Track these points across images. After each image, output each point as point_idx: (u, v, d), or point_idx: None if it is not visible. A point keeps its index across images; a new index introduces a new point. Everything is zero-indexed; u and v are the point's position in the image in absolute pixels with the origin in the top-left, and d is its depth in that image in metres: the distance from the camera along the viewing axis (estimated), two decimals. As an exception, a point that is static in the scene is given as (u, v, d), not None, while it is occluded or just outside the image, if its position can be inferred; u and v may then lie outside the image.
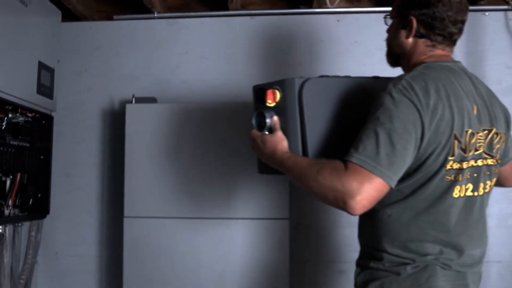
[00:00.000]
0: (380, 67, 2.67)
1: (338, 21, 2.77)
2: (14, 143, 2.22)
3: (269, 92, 1.50)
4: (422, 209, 1.32)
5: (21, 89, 2.20)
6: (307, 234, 2.66)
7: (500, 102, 1.50)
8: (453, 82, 1.33)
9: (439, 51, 1.43)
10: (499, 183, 1.57)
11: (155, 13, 2.79)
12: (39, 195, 2.43)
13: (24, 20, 2.22)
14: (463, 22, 1.43)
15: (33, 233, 2.52)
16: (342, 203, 1.20)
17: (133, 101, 2.49)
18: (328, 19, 2.78)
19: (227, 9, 2.80)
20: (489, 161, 1.39)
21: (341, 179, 1.19)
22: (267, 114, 1.49)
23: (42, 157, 2.45)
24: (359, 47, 2.74)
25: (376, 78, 1.63)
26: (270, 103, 1.50)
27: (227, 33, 2.80)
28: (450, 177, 1.31)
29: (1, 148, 2.13)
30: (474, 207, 1.37)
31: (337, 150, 1.35)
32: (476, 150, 1.34)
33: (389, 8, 2.63)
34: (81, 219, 2.78)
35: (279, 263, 2.34)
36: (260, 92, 1.55)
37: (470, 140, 1.31)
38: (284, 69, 2.69)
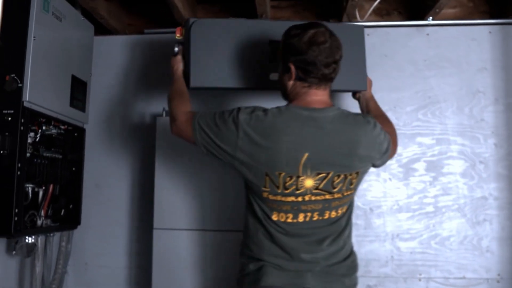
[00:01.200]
0: (410, 80, 2.69)
1: (368, 35, 2.75)
2: (47, 155, 2.27)
3: (178, 28, 2.09)
4: None
5: (54, 102, 2.25)
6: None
7: (371, 140, 1.68)
8: (284, 131, 1.57)
9: (312, 94, 1.65)
10: None
11: (186, 27, 2.82)
12: (71, 206, 2.47)
13: (58, 34, 2.27)
14: (336, 62, 1.63)
15: (63, 243, 2.56)
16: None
17: (164, 114, 2.52)
18: (357, 33, 2.76)
19: (257, 23, 2.81)
20: (327, 196, 1.62)
21: (173, 111, 1.81)
22: (176, 44, 2.09)
23: (74, 168, 2.50)
24: (389, 61, 2.72)
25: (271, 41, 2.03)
26: (178, 36, 2.08)
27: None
28: (269, 204, 1.64)
29: (35, 160, 2.18)
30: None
31: (218, 79, 2.01)
32: (298, 189, 1.59)
33: (420, 22, 2.63)
34: (110, 230, 2.80)
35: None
36: None
37: (284, 180, 1.58)
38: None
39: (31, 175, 2.16)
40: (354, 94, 2.25)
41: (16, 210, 1.98)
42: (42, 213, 2.24)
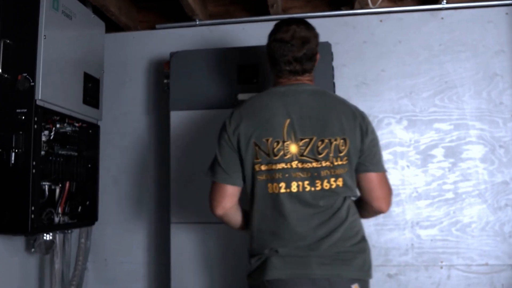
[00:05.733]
0: (425, 66, 2.65)
1: (381, 21, 2.72)
2: (62, 152, 2.28)
3: (165, 64, 2.49)
4: None
5: (67, 100, 2.26)
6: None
7: (350, 112, 1.70)
8: (264, 103, 1.70)
9: (283, 80, 1.75)
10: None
11: (197, 20, 2.82)
12: (88, 202, 2.48)
13: (69, 32, 2.28)
14: (296, 59, 1.71)
15: (82, 240, 2.58)
16: None
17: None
18: (370, 20, 2.73)
19: (268, 14, 2.79)
20: (314, 164, 1.63)
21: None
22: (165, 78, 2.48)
23: (89, 165, 2.50)
24: (403, 47, 2.68)
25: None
26: (167, 70, 2.45)
27: (268, 37, 2.79)
28: (261, 177, 1.66)
29: (50, 158, 2.19)
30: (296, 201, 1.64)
31: (193, 103, 2.39)
32: (285, 155, 1.63)
33: (433, 6, 2.59)
34: (129, 225, 2.82)
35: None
36: None
37: (272, 146, 1.64)
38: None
39: (47, 173, 2.17)
40: None
41: (33, 208, 1.99)
42: (59, 210, 2.26)
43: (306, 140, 1.64)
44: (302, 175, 1.63)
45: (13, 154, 2.00)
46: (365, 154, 1.69)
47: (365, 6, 2.69)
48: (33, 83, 2.03)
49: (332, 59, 2.38)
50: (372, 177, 1.71)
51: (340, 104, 1.72)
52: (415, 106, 2.61)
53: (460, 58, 2.64)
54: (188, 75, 2.42)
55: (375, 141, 1.72)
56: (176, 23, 2.88)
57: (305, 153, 1.63)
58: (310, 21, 2.71)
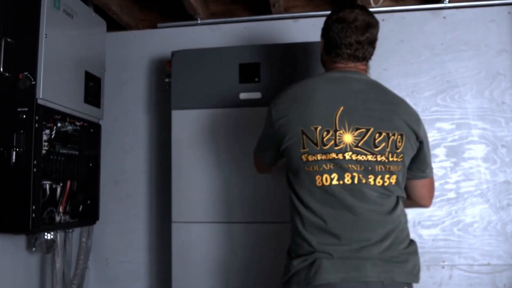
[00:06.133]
0: (427, 66, 2.64)
1: (383, 20, 2.68)
2: (64, 151, 2.28)
3: (167, 62, 2.47)
4: None
5: (68, 98, 2.26)
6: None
7: (408, 110, 1.63)
8: (313, 89, 1.60)
9: (342, 65, 1.66)
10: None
11: (198, 20, 2.82)
12: (89, 202, 2.48)
13: (70, 31, 2.27)
14: (359, 42, 1.62)
15: (83, 239, 2.58)
16: None
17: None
18: (372, 19, 2.72)
19: (270, 13, 2.79)
20: (369, 157, 1.53)
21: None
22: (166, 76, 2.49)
23: (91, 164, 2.50)
24: (405, 46, 2.67)
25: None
26: (168, 69, 2.44)
27: (270, 36, 2.78)
28: (309, 168, 1.55)
29: (51, 157, 2.19)
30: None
31: (195, 102, 2.39)
32: (336, 145, 1.52)
33: (436, 5, 2.58)
34: (130, 225, 2.82)
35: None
36: None
37: (321, 135, 1.53)
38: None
39: (48, 172, 2.17)
40: None
41: (34, 207, 1.99)
42: (60, 209, 2.26)
43: (362, 130, 1.53)
44: (354, 167, 1.52)
45: (14, 153, 2.00)
46: (419, 157, 1.64)
47: (367, 5, 2.67)
48: (34, 82, 2.02)
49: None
50: (425, 183, 1.72)
51: (398, 100, 1.64)
52: (417, 106, 2.60)
53: (462, 57, 2.63)
54: (189, 74, 2.42)
55: (428, 145, 1.67)
56: (178, 22, 2.88)
57: (359, 144, 1.52)
58: (311, 20, 2.76)
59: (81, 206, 2.41)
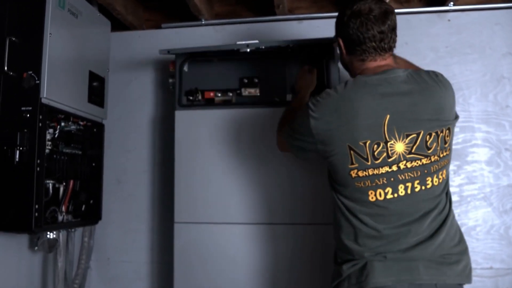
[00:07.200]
0: (432, 68, 2.59)
1: (387, 22, 2.70)
2: (67, 151, 2.28)
3: (171, 63, 2.46)
4: None
5: (72, 98, 2.26)
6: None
7: (449, 94, 1.56)
8: (354, 98, 1.49)
9: (372, 62, 1.59)
10: None
11: (202, 20, 2.82)
12: (91, 201, 2.48)
13: (75, 31, 2.28)
14: (382, 32, 1.54)
15: (86, 239, 2.58)
16: None
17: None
18: (377, 21, 2.71)
19: (274, 14, 2.79)
20: (424, 161, 1.48)
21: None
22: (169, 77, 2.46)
23: (93, 164, 2.51)
24: (409, 48, 2.66)
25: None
26: (172, 69, 2.44)
27: (274, 38, 2.78)
28: (360, 184, 1.50)
29: (54, 156, 2.19)
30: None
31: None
32: (389, 157, 1.46)
33: (440, 8, 2.57)
34: (132, 225, 2.82)
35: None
36: None
37: (371, 149, 1.46)
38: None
39: (51, 171, 2.17)
40: None
41: (36, 206, 1.99)
42: (63, 208, 2.26)
43: (413, 135, 1.46)
44: (411, 175, 1.47)
45: (18, 152, 2.00)
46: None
47: (372, 7, 2.67)
48: (38, 81, 2.03)
49: (338, 60, 2.37)
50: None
51: (436, 85, 1.54)
52: (420, 108, 2.60)
53: (467, 60, 2.62)
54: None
55: None
56: (182, 23, 2.88)
57: (413, 151, 1.47)
58: (316, 21, 2.76)
59: (83, 206, 2.42)
